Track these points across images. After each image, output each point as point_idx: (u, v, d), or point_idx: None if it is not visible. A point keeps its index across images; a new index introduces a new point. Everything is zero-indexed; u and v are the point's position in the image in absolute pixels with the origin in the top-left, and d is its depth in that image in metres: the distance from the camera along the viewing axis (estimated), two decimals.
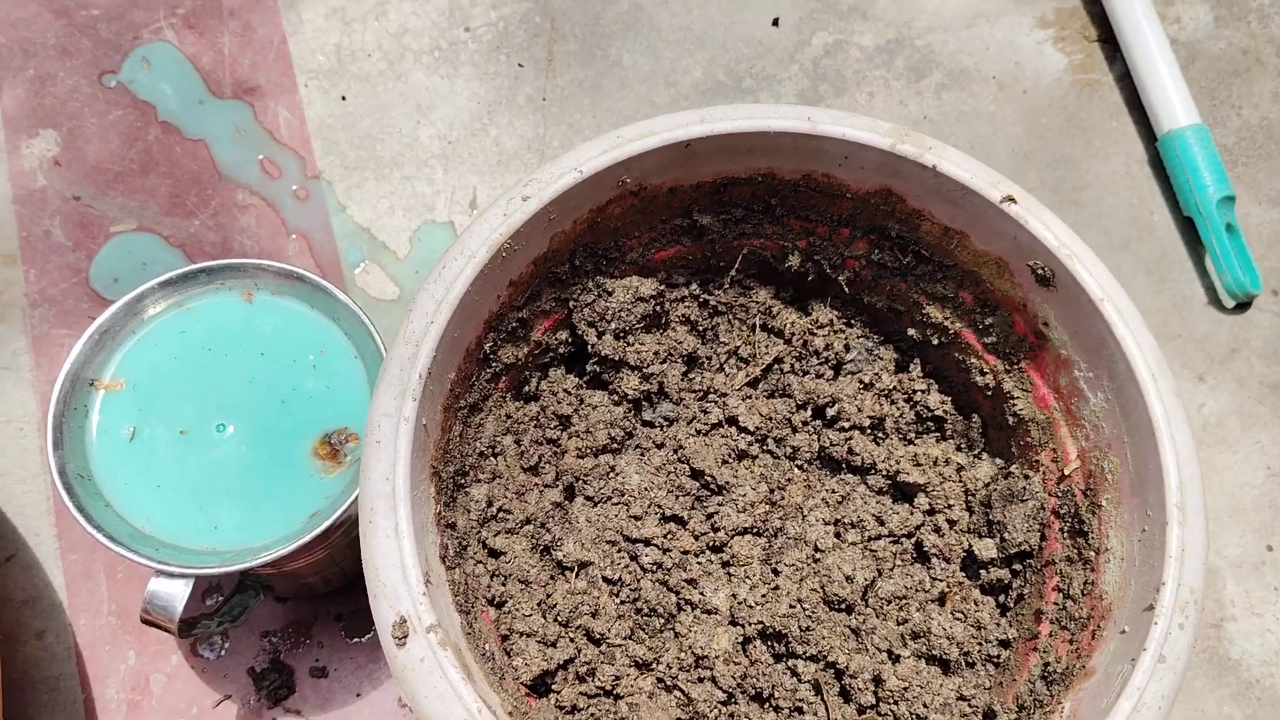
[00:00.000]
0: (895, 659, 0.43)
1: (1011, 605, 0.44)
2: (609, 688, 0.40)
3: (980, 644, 0.43)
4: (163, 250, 0.63)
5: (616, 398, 0.46)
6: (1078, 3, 0.73)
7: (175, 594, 0.42)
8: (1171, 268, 0.67)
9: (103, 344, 0.45)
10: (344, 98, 0.68)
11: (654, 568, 0.43)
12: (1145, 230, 0.68)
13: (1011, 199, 0.41)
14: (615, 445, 0.45)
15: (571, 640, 0.41)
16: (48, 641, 0.55)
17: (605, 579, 0.42)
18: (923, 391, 0.47)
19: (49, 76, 0.66)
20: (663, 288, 0.46)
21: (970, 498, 0.46)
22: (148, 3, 0.69)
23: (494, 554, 0.42)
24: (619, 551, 0.43)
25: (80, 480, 0.43)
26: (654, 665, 0.41)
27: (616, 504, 0.44)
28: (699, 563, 0.44)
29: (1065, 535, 0.43)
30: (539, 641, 0.40)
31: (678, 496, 0.45)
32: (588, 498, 0.44)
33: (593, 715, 0.40)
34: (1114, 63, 0.72)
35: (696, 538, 0.45)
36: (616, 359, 0.45)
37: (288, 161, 0.66)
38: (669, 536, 0.44)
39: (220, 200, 0.64)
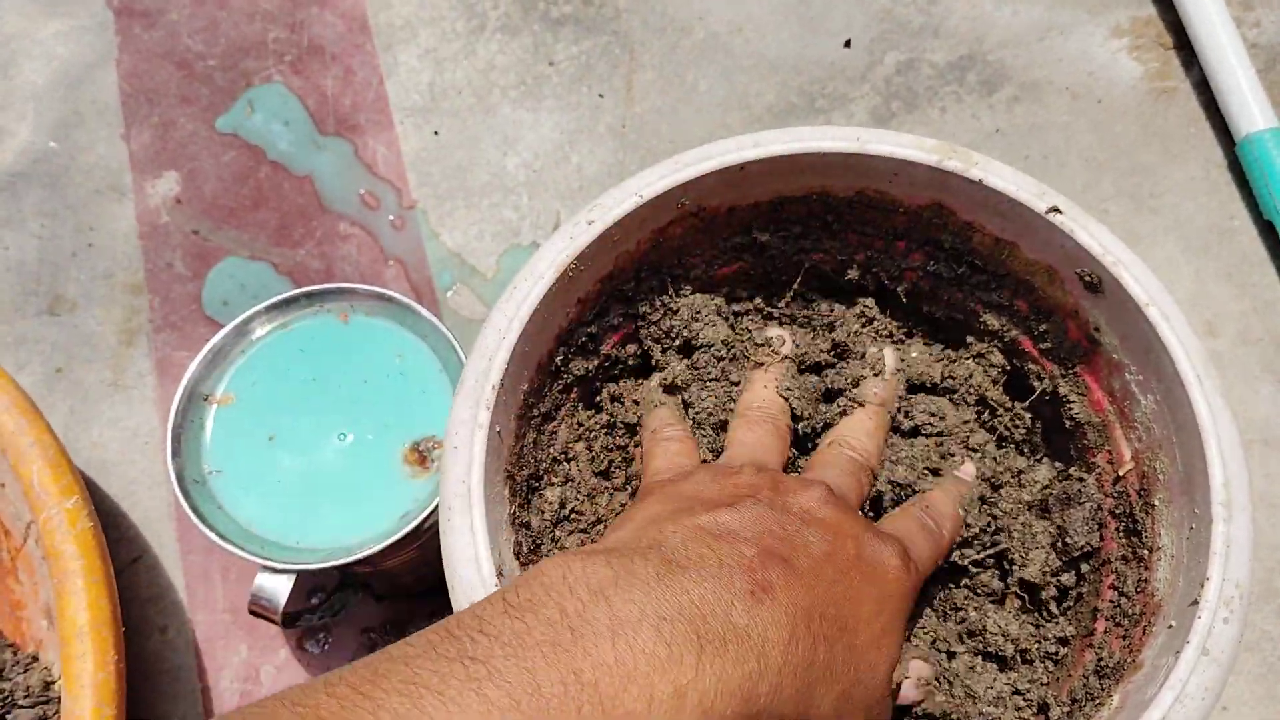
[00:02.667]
0: (951, 656, 0.44)
1: (1071, 604, 0.45)
2: None
3: (1039, 642, 0.44)
4: (272, 278, 0.68)
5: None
6: (1153, 11, 0.74)
7: (279, 588, 0.46)
8: (1252, 272, 0.67)
9: (215, 363, 0.50)
10: (436, 132, 0.72)
11: None
12: (1225, 235, 0.68)
13: (1057, 209, 0.42)
14: None
15: None
16: (170, 636, 0.60)
17: None
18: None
19: (171, 122, 0.73)
20: (726, 304, 0.49)
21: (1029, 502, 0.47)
22: (258, 51, 0.74)
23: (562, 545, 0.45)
24: None
25: (195, 485, 0.47)
26: None
27: None
28: None
29: (1121, 535, 0.44)
30: None
31: None
32: None
33: None
34: (1190, 69, 0.72)
35: None
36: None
37: (385, 193, 0.71)
38: None
39: (324, 231, 0.69)
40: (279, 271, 0.68)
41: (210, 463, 0.48)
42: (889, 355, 0.46)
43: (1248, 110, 0.67)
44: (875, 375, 0.46)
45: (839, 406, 0.46)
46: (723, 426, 0.45)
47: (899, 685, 0.37)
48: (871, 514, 0.45)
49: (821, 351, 0.47)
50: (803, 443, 0.46)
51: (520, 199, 0.70)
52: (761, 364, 0.46)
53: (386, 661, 0.26)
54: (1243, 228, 0.68)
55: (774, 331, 0.47)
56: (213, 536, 0.46)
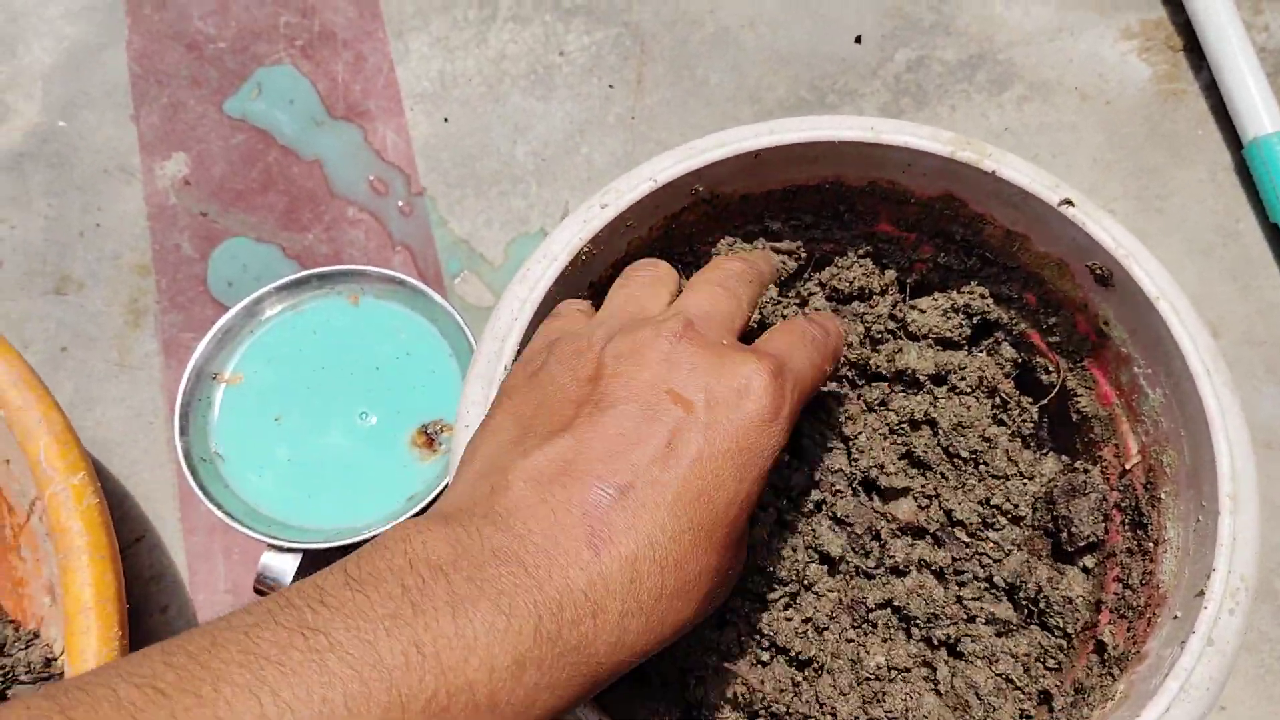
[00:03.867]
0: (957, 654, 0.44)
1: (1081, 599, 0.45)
2: None
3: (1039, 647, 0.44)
4: (280, 261, 0.68)
5: None
6: (1163, 14, 0.74)
7: (285, 567, 0.46)
8: (1257, 274, 0.67)
9: (224, 342, 0.50)
10: (446, 120, 0.72)
11: None
12: (1231, 237, 0.68)
13: (1069, 202, 0.42)
14: None
15: None
16: (170, 615, 0.60)
17: None
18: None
19: (180, 104, 0.73)
20: None
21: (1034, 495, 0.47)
22: (270, 35, 0.74)
23: None
24: None
25: (202, 463, 0.47)
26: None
27: None
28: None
29: (1127, 529, 0.44)
30: None
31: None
32: None
33: None
34: (1200, 72, 0.72)
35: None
36: None
37: (394, 180, 0.71)
38: None
39: (332, 216, 0.69)
40: (287, 255, 0.68)
41: (217, 442, 0.48)
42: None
43: (1255, 113, 0.68)
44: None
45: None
46: None
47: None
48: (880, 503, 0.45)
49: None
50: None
51: (529, 188, 0.71)
52: None
53: (225, 630, 0.26)
54: (1248, 230, 0.68)
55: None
56: (220, 515, 0.46)
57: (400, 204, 0.70)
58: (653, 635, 0.30)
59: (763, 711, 0.42)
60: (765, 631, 0.42)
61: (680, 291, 0.39)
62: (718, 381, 0.33)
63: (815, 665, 0.43)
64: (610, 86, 0.73)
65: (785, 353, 0.35)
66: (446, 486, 0.46)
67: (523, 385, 0.35)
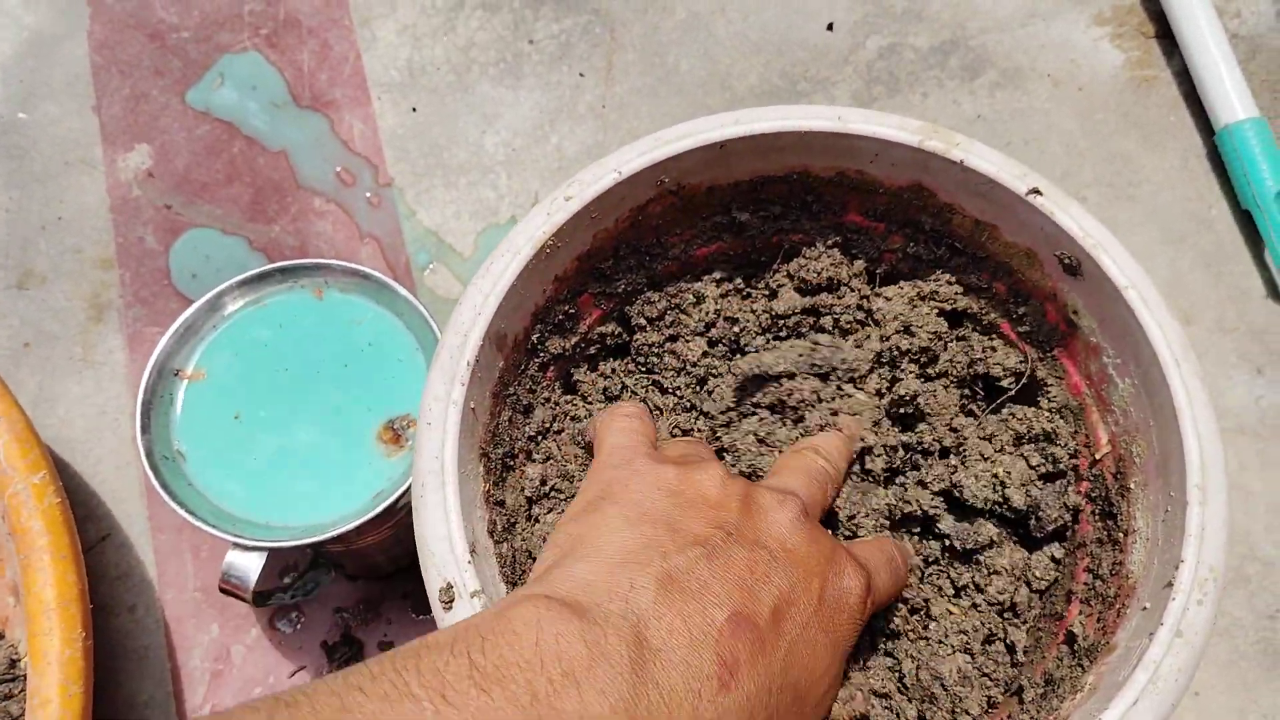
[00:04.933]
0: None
1: (1044, 590, 0.45)
2: None
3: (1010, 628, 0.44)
4: (246, 254, 0.67)
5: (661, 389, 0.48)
6: (1135, 0, 0.74)
7: (250, 565, 0.45)
8: (1229, 261, 0.67)
9: (186, 338, 0.49)
10: (414, 109, 0.72)
11: None
12: (1203, 224, 0.68)
13: (1037, 191, 0.42)
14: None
15: None
16: (138, 614, 0.59)
17: None
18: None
19: (142, 95, 0.71)
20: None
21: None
22: (233, 24, 0.73)
23: (540, 527, 0.44)
24: None
25: (165, 461, 0.47)
26: None
27: None
28: None
29: (1097, 518, 0.44)
30: None
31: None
32: None
33: None
34: (1172, 58, 0.72)
35: None
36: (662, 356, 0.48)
37: (361, 170, 0.70)
38: None
39: (299, 207, 0.69)
40: (253, 247, 0.67)
41: (180, 439, 0.48)
42: (862, 399, 0.47)
43: (1227, 100, 0.67)
44: (853, 415, 0.46)
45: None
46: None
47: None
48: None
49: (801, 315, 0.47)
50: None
51: (499, 178, 0.70)
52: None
53: (340, 714, 0.25)
54: (1220, 217, 0.68)
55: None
56: (183, 513, 0.45)
57: (368, 195, 0.69)
58: None
59: None
60: None
61: None
62: (829, 568, 0.36)
63: None
64: (580, 75, 0.73)
65: (874, 570, 0.39)
66: (408, 489, 0.45)
67: (646, 493, 0.36)
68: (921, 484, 0.46)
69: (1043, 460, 0.46)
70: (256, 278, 0.50)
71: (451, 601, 0.36)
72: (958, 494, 0.45)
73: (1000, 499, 0.45)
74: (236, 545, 0.45)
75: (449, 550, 0.37)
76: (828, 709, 0.36)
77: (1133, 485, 0.42)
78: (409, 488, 0.46)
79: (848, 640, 0.36)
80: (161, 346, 0.48)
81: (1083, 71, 0.72)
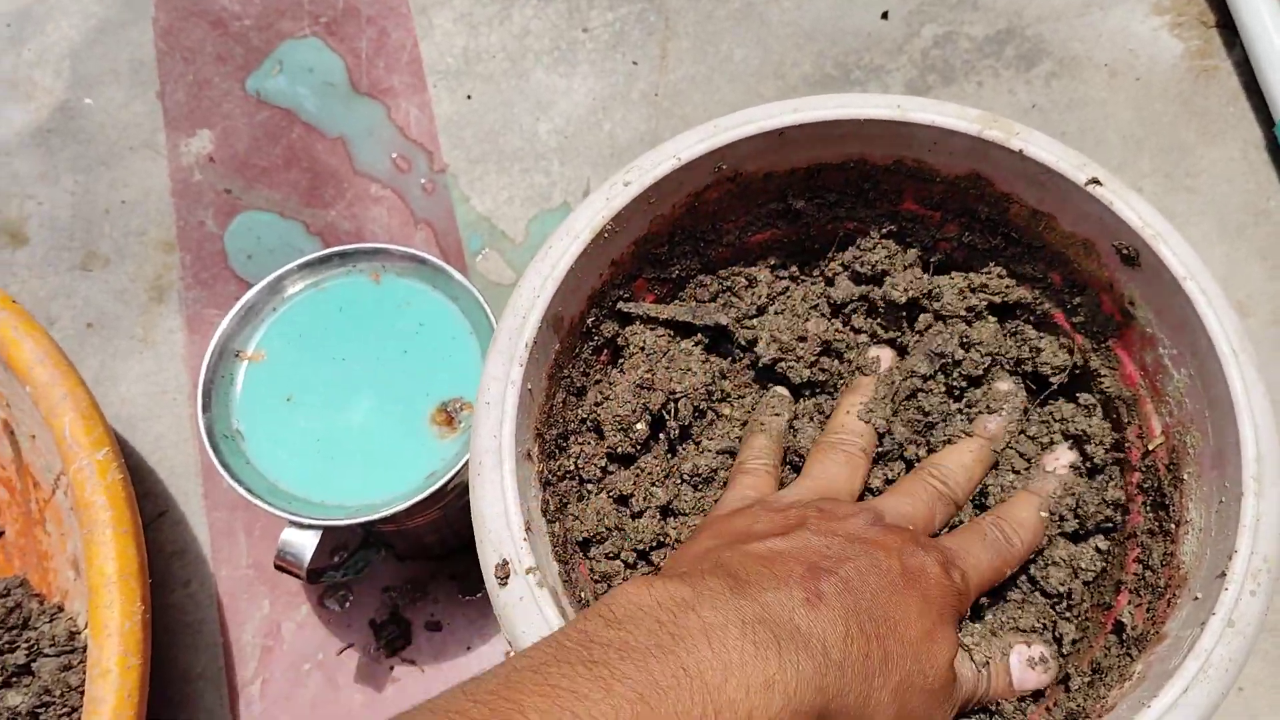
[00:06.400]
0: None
1: (1090, 580, 0.45)
2: None
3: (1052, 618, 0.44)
4: (303, 238, 0.68)
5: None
6: None
7: (305, 543, 0.46)
8: None
9: (248, 319, 0.50)
10: (469, 96, 0.72)
11: None
12: (1261, 216, 0.67)
13: (1097, 181, 0.42)
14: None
15: None
16: (193, 590, 0.60)
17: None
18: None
19: (205, 81, 0.73)
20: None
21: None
22: (294, 12, 0.74)
23: (594, 504, 0.45)
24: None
25: (225, 440, 0.48)
26: None
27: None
28: None
29: (1148, 509, 0.44)
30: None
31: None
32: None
33: None
34: (1232, 48, 0.71)
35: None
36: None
37: (417, 157, 0.71)
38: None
39: (355, 193, 0.70)
40: (310, 231, 0.68)
41: (239, 419, 0.49)
42: (1006, 386, 0.47)
43: None
44: (991, 412, 0.46)
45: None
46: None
47: (958, 674, 0.39)
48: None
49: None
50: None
51: (551, 165, 0.70)
52: (854, 386, 0.47)
53: (514, 671, 0.29)
54: (1279, 210, 0.67)
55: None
56: (241, 491, 0.46)
57: (423, 181, 0.70)
58: (863, 689, 0.34)
59: None
60: None
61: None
62: (903, 549, 0.39)
63: None
64: (634, 63, 0.73)
65: (960, 550, 0.41)
66: (460, 470, 0.46)
67: (731, 521, 0.41)
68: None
69: (1082, 460, 0.46)
70: (317, 261, 0.51)
71: (507, 577, 0.37)
72: (985, 501, 0.45)
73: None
74: (293, 523, 0.46)
75: (505, 527, 0.38)
76: (941, 657, 0.37)
77: (1186, 476, 0.42)
78: (461, 469, 0.47)
79: (939, 604, 0.38)
80: (223, 327, 0.49)
81: (1141, 61, 0.71)
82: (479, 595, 0.59)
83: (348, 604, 0.59)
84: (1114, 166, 0.68)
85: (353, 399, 0.49)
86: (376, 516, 0.46)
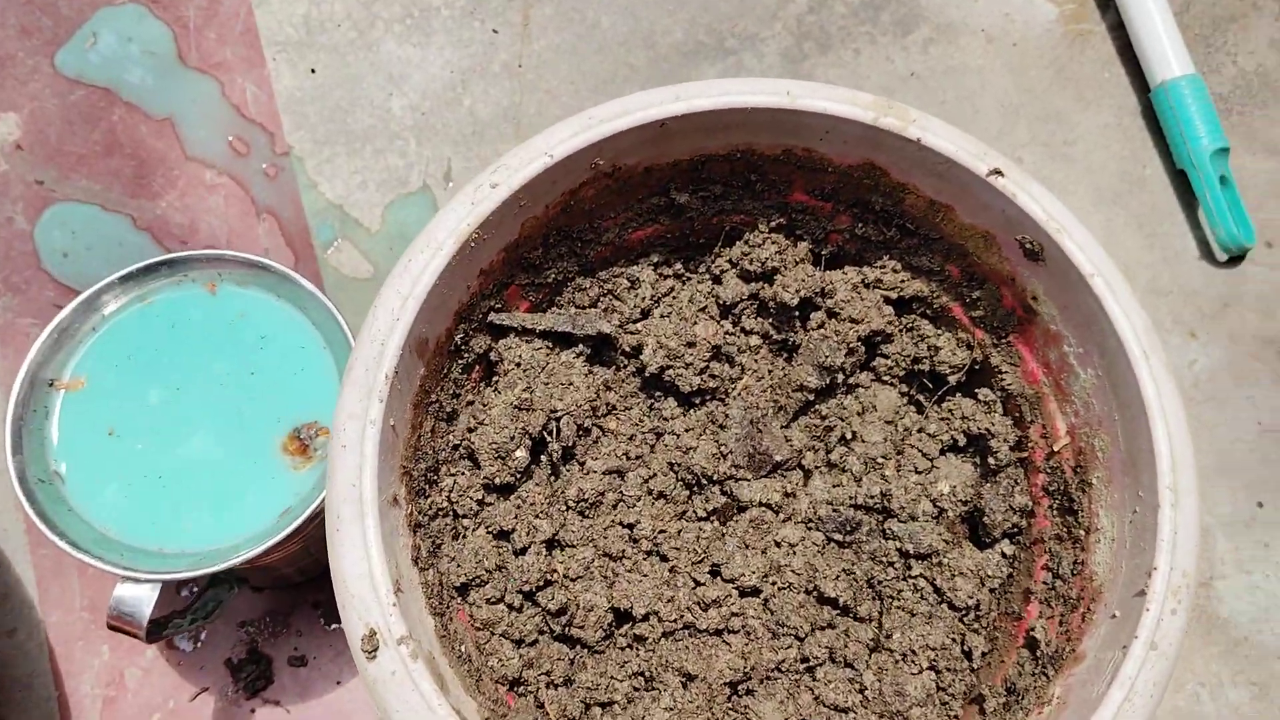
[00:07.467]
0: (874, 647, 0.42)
1: (997, 588, 0.43)
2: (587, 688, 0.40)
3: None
4: (129, 233, 0.61)
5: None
6: None
7: (142, 599, 0.41)
8: (1163, 221, 0.65)
9: (61, 343, 0.44)
10: (313, 70, 0.66)
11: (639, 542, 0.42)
12: (1137, 184, 0.66)
13: (999, 172, 0.39)
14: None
15: (542, 634, 0.40)
16: (19, 639, 0.54)
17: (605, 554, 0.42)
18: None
19: (8, 57, 0.64)
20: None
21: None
22: None
23: (470, 543, 0.41)
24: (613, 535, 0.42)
25: (41, 485, 0.42)
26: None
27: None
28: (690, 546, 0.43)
29: (1055, 513, 0.42)
30: (512, 641, 0.40)
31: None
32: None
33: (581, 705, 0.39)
34: (1107, 11, 0.69)
35: (680, 516, 0.43)
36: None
37: (256, 138, 0.64)
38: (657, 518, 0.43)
39: (188, 180, 0.63)
40: (137, 226, 0.61)
41: (58, 459, 0.42)
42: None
43: (1164, 56, 0.65)
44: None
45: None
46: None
47: None
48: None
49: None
50: None
51: (408, 145, 0.65)
52: None
53: None
54: (1154, 176, 0.66)
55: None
56: (63, 545, 0.40)
57: (264, 166, 0.63)
58: None
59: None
60: None
61: None
62: None
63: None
64: (494, 31, 0.67)
65: None
66: (319, 506, 0.41)
67: None
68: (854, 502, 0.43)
69: (982, 460, 0.44)
70: (140, 272, 0.45)
71: (376, 649, 0.33)
72: (888, 503, 0.43)
73: (935, 511, 0.43)
74: (126, 578, 0.41)
75: (370, 590, 0.33)
76: None
77: (1094, 480, 0.40)
78: (320, 504, 0.42)
79: None
80: (32, 355, 0.43)
81: (1017, 26, 0.69)
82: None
83: (200, 643, 0.54)
84: (993, 135, 0.67)
85: (191, 429, 0.44)
86: (225, 566, 0.41)
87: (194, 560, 0.41)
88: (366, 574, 0.33)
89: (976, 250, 0.42)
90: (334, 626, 0.54)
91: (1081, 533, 0.40)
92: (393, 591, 0.33)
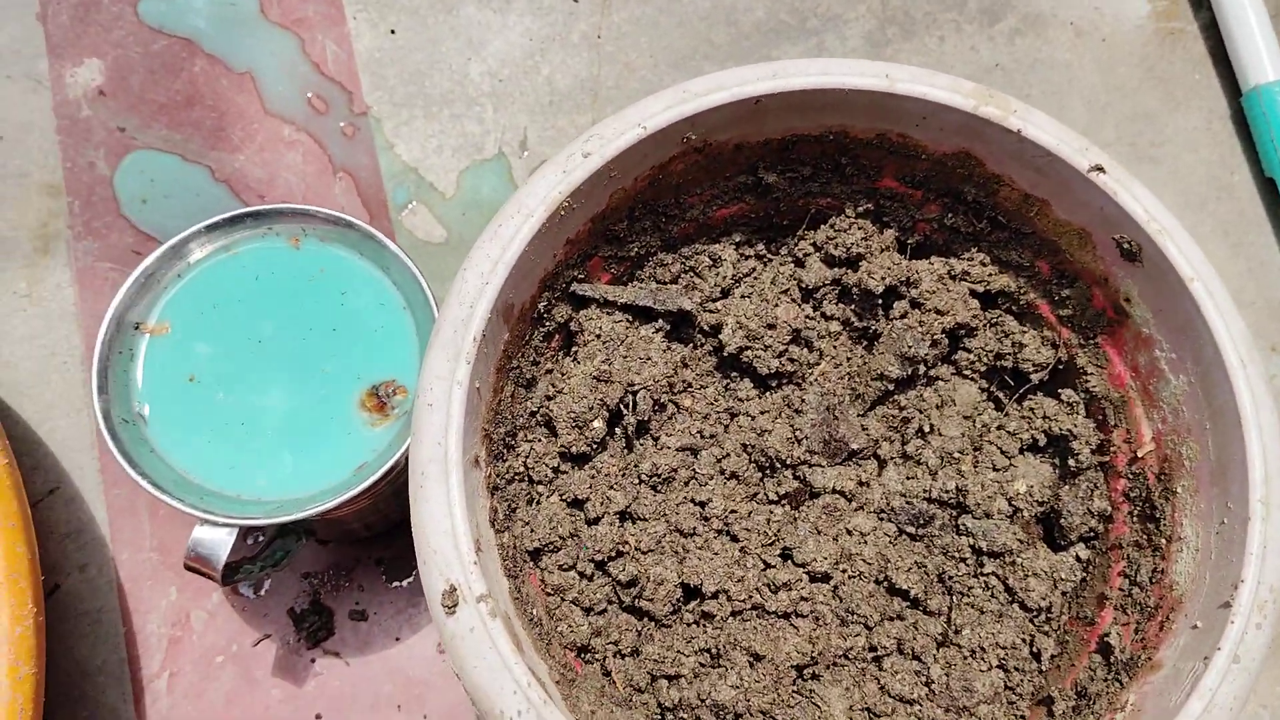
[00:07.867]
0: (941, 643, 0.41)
1: (1070, 591, 0.43)
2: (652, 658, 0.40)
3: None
4: (208, 185, 0.61)
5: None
6: None
7: (219, 542, 0.41)
8: (1249, 231, 0.64)
9: (148, 287, 0.44)
10: (393, 31, 0.66)
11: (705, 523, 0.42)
12: (1224, 190, 0.65)
13: (1100, 168, 0.38)
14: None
15: (611, 604, 0.40)
16: (90, 575, 0.55)
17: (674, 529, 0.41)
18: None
19: (94, 4, 0.65)
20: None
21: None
22: None
23: (544, 509, 0.41)
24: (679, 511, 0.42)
25: (125, 425, 0.42)
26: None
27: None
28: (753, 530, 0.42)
29: (1134, 519, 0.41)
30: (582, 608, 0.40)
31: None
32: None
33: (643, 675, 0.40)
34: (1200, 10, 0.68)
35: (751, 499, 0.43)
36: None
37: (335, 97, 0.64)
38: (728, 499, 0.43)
39: (266, 135, 0.63)
40: (215, 178, 0.62)
41: (141, 401, 0.43)
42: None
43: (1258, 59, 0.64)
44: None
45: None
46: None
47: None
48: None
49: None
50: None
51: (485, 111, 0.65)
52: None
53: None
54: (1242, 183, 0.65)
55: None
56: (145, 484, 0.41)
57: (342, 125, 0.64)
58: None
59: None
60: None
61: None
62: None
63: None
64: (575, 0, 0.67)
65: None
66: (394, 464, 0.42)
67: None
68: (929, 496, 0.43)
69: (1062, 462, 0.44)
70: (226, 222, 0.45)
71: (455, 605, 0.33)
72: (963, 499, 0.42)
73: (1010, 510, 0.42)
74: (204, 521, 0.41)
75: (453, 548, 0.33)
76: None
77: (1179, 489, 0.39)
78: (395, 463, 0.42)
79: None
80: (120, 297, 0.43)
81: (1106, 21, 0.68)
82: (407, 581, 0.55)
83: (264, 591, 0.54)
84: (1078, 133, 0.65)
85: (271, 380, 0.44)
86: (299, 516, 0.41)
87: (270, 508, 0.42)
88: (449, 530, 0.33)
89: (1070, 247, 0.42)
90: (395, 584, 0.55)
91: (1163, 541, 0.40)
92: (474, 549, 0.33)
